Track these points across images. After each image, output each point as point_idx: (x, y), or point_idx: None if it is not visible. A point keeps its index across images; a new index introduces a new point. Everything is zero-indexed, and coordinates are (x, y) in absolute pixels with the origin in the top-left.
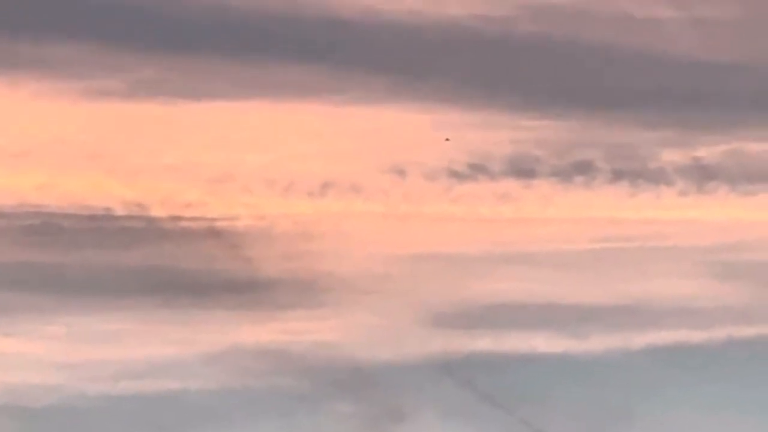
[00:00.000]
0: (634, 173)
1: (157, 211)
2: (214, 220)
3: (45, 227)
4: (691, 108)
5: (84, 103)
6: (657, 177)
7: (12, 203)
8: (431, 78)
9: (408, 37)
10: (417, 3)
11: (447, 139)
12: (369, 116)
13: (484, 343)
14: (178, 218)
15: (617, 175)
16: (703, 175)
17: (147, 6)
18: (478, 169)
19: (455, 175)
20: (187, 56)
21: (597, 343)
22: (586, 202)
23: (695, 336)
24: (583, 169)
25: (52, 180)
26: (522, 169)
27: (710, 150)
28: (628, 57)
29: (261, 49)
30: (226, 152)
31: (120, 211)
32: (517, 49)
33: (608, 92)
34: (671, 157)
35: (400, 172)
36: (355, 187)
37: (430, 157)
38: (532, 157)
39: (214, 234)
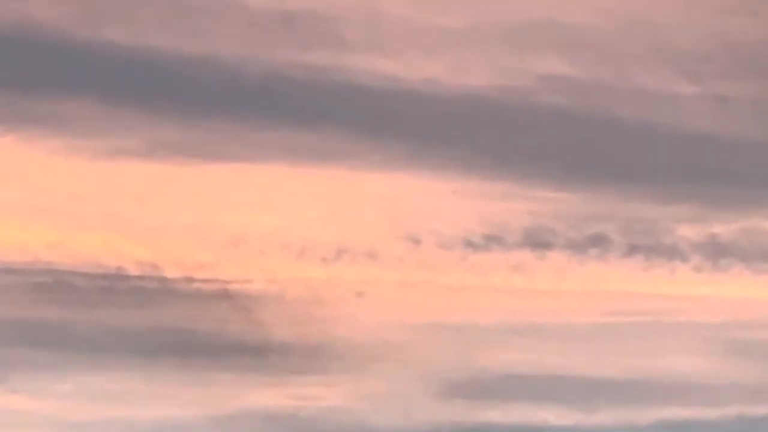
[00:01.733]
0: (648, 248)
1: (170, 272)
2: (227, 282)
3: (57, 285)
4: (707, 184)
5: (100, 162)
6: (672, 252)
7: (25, 260)
8: (449, 146)
9: (426, 104)
10: (436, 71)
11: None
12: (385, 183)
13: (494, 414)
14: (191, 279)
15: (632, 249)
16: (718, 252)
17: (166, 66)
18: (493, 240)
19: (470, 244)
20: (205, 117)
21: (607, 417)
22: (600, 275)
23: (706, 413)
24: (598, 242)
25: (65, 238)
26: (537, 241)
27: (726, 227)
28: (646, 131)
29: (279, 112)
30: (241, 215)
31: (133, 270)
32: (536, 120)
33: (625, 166)
34: (686, 232)
35: (416, 240)
36: (369, 253)
37: (446, 226)
38: (547, 229)
39: (226, 296)
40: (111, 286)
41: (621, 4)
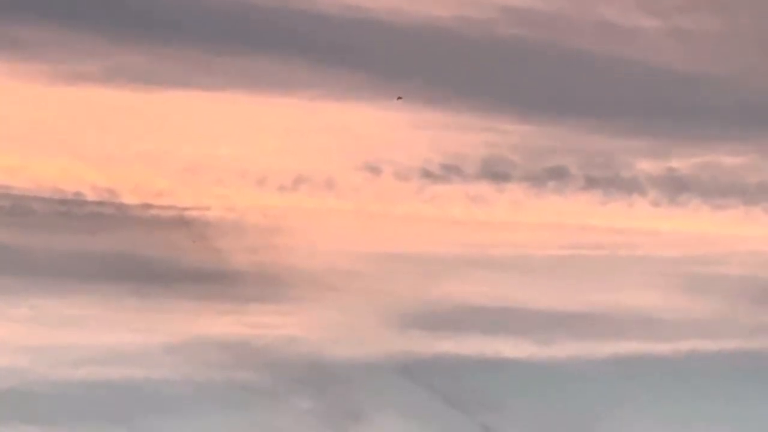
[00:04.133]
0: (607, 181)
1: (127, 198)
2: (184, 209)
3: (14, 209)
4: (667, 119)
5: (58, 87)
6: (630, 186)
7: None
8: (409, 77)
9: (387, 35)
10: (398, 1)
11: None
12: (344, 113)
13: (447, 345)
14: (149, 206)
15: (590, 183)
16: (676, 187)
17: None
18: (451, 170)
19: (428, 175)
20: (165, 44)
21: (561, 350)
22: (558, 208)
23: (660, 348)
24: (557, 175)
25: (22, 162)
26: (495, 173)
27: (684, 161)
28: (607, 65)
29: (239, 40)
30: (200, 142)
31: (90, 196)
32: (497, 52)
33: (585, 99)
34: (645, 166)
35: (374, 170)
36: (327, 183)
37: (405, 156)
38: (506, 161)
39: (183, 223)
40: (68, 211)
41: None
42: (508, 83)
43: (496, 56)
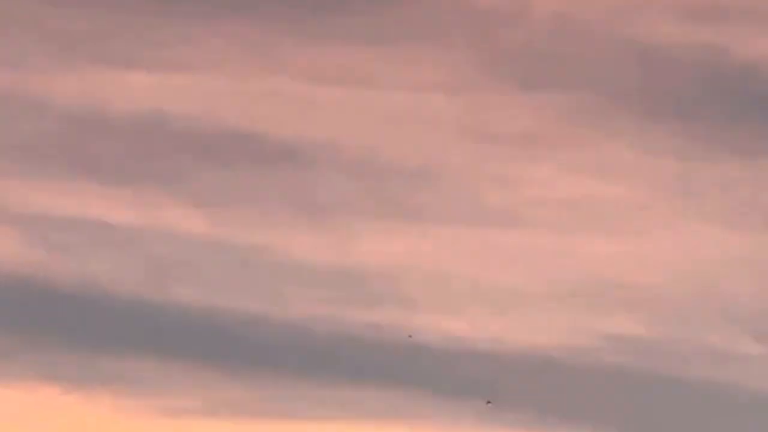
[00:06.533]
0: None
1: None
2: None
3: None
4: None
5: (161, 420)
6: None
7: None
8: (515, 406)
9: (490, 364)
10: (501, 330)
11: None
12: None
13: None
14: None
15: None
16: None
17: (228, 325)
18: None
19: None
20: (268, 376)
21: None
22: None
23: None
24: None
25: None
26: None
27: None
28: (713, 391)
29: (343, 370)
30: None
31: None
32: (601, 380)
33: (691, 426)
34: None
35: None
36: None
37: None
38: None
39: None
40: None
41: (688, 265)
42: (614, 411)
43: (601, 384)
